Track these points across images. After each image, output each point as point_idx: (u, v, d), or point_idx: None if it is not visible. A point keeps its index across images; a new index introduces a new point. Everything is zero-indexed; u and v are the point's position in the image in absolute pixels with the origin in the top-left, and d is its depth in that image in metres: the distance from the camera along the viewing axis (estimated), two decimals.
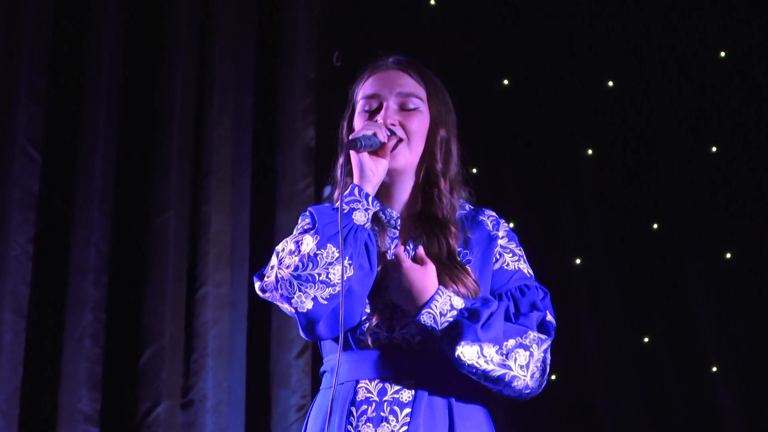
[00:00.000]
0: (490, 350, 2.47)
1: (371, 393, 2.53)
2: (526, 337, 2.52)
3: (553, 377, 5.23)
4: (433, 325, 2.48)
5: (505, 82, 5.54)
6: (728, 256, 5.42)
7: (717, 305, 5.37)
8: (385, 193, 2.66)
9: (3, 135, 4.40)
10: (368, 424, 2.51)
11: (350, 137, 2.55)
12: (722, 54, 5.51)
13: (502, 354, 2.48)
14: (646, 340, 5.41)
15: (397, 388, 2.52)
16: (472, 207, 2.72)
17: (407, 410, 2.50)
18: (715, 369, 5.31)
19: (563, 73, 5.51)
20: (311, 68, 5.01)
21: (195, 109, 4.77)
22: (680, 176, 5.48)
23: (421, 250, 2.54)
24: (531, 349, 2.51)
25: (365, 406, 2.53)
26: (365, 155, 2.56)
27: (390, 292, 2.53)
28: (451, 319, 2.47)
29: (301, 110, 4.94)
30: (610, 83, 5.57)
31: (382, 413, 2.51)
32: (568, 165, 5.52)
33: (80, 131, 4.56)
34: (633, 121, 5.56)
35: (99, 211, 4.50)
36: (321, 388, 2.64)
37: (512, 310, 2.57)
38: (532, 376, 2.52)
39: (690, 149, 5.50)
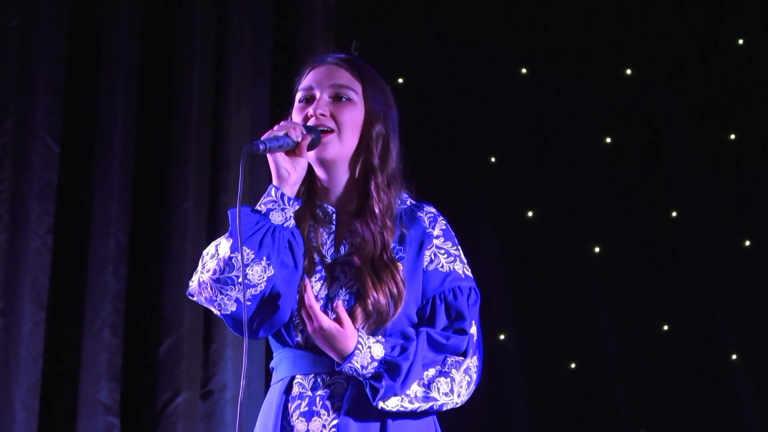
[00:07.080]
0: (412, 389, 2.48)
1: (305, 388, 2.54)
2: (444, 364, 2.53)
3: (573, 365, 5.23)
4: (357, 376, 2.49)
5: (524, 70, 5.52)
6: (747, 243, 5.40)
7: (735, 293, 5.36)
8: (322, 188, 2.67)
9: (21, 127, 4.41)
10: (301, 418, 2.52)
11: (254, 141, 2.54)
12: (740, 41, 5.49)
13: (423, 386, 2.50)
14: (665, 328, 5.40)
15: (330, 382, 2.53)
16: (414, 202, 2.69)
17: (339, 404, 2.51)
18: (734, 357, 5.30)
19: (581, 60, 5.49)
20: None
21: (212, 100, 4.77)
22: (698, 164, 5.46)
23: (340, 308, 2.48)
24: (451, 375, 2.52)
25: (299, 401, 2.54)
26: (280, 156, 2.56)
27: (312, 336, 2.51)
28: (372, 371, 2.47)
29: None
30: (629, 71, 5.55)
31: (314, 408, 2.52)
32: (587, 153, 5.51)
33: (98, 122, 4.56)
34: (651, 108, 5.54)
35: (118, 202, 4.51)
36: (271, 384, 2.65)
37: (442, 323, 2.57)
38: (458, 395, 2.54)
39: (708, 137, 5.48)
